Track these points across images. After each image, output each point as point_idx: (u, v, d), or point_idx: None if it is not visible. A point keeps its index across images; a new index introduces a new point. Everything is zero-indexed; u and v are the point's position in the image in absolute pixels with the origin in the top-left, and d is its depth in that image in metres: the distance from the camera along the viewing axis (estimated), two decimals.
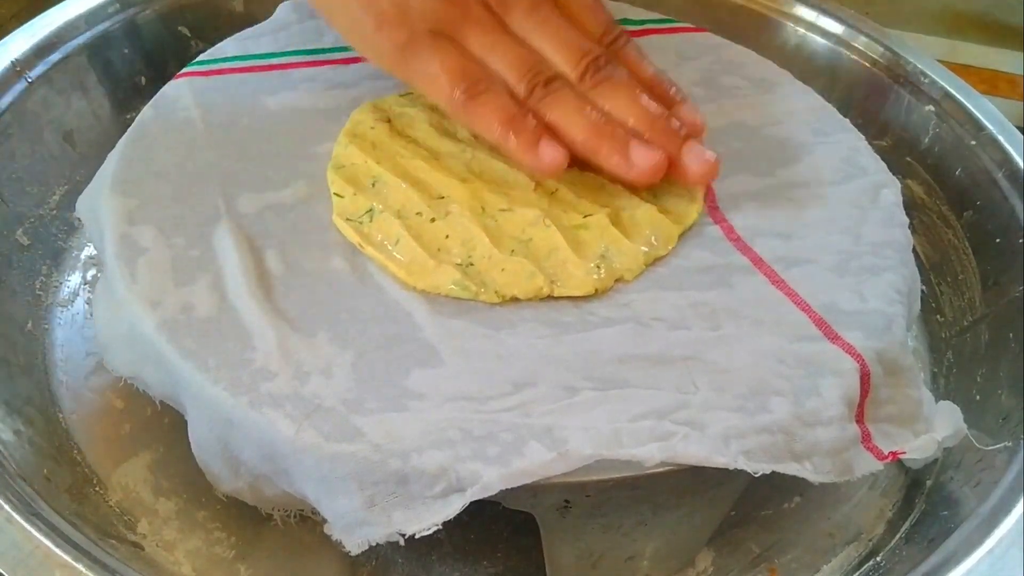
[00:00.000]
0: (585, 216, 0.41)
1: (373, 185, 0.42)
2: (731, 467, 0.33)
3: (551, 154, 0.39)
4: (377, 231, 0.40)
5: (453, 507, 0.32)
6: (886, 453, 0.37)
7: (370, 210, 0.41)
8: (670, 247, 0.41)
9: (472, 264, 0.39)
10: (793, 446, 0.34)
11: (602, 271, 0.39)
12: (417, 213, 0.41)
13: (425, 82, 0.41)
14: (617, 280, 0.40)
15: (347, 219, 0.41)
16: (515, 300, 0.39)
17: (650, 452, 0.33)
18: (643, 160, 0.40)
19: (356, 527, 0.33)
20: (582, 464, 0.32)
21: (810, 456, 0.35)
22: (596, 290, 0.39)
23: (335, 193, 0.42)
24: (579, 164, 0.42)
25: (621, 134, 0.40)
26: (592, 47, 0.42)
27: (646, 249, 0.41)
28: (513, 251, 0.39)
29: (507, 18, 0.42)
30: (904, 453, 0.37)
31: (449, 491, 0.32)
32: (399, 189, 0.41)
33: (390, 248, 0.40)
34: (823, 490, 0.40)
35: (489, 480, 0.32)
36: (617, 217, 0.41)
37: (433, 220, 0.40)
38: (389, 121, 0.45)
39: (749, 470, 0.33)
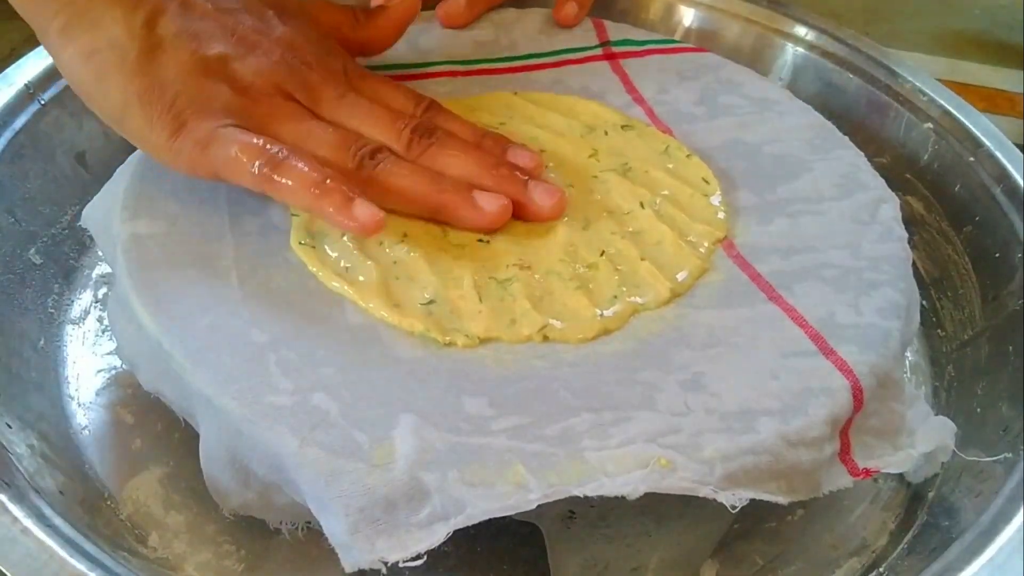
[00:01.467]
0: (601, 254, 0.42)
1: None
2: (711, 497, 0.34)
3: (367, 213, 0.38)
4: (335, 255, 0.40)
5: (436, 536, 0.32)
6: (861, 468, 0.38)
7: (326, 232, 0.41)
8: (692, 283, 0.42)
9: (435, 303, 0.39)
10: (776, 467, 0.35)
11: (614, 309, 0.40)
12: (379, 243, 0.41)
13: (226, 168, 0.39)
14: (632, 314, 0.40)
15: (301, 243, 0.41)
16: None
17: (633, 484, 0.33)
18: (489, 205, 0.41)
19: (343, 550, 0.33)
20: (565, 496, 0.33)
21: (788, 476, 0.36)
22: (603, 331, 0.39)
23: (292, 213, 0.42)
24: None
25: (461, 187, 0.41)
26: (409, 117, 0.43)
27: (671, 285, 0.41)
28: (485, 292, 0.39)
29: (317, 109, 0.41)
30: (879, 470, 0.38)
31: (434, 519, 0.33)
32: None
33: (350, 275, 0.40)
34: (826, 503, 0.40)
35: (473, 512, 0.32)
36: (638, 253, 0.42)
37: (400, 243, 0.40)
38: None
39: (727, 504, 0.34)
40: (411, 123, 0.42)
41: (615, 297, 0.40)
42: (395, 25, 0.48)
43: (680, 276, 0.41)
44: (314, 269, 0.40)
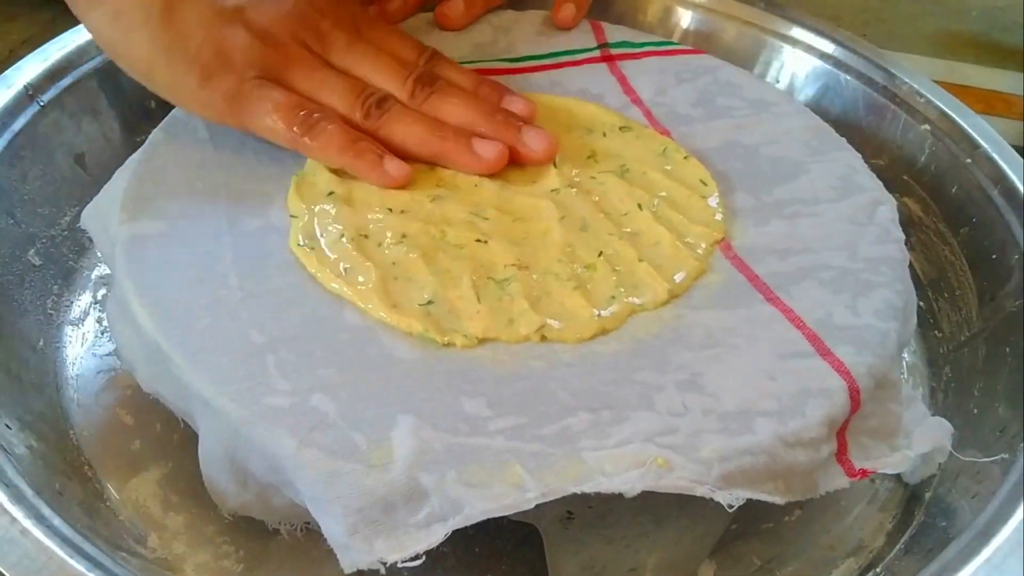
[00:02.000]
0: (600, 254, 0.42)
1: (331, 204, 0.42)
2: (708, 497, 0.34)
3: (396, 168, 0.42)
4: (334, 256, 0.40)
5: (435, 536, 0.33)
6: (857, 469, 0.38)
7: (324, 233, 0.41)
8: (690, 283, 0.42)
9: (433, 303, 0.39)
10: (773, 467, 0.35)
11: (611, 309, 0.40)
12: (378, 244, 0.41)
13: (260, 125, 0.42)
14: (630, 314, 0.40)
15: (300, 244, 0.41)
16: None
17: (631, 483, 0.33)
18: (487, 152, 0.43)
19: (341, 550, 0.33)
20: (562, 495, 0.33)
21: (785, 477, 0.36)
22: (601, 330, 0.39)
23: (291, 214, 0.42)
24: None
25: (461, 134, 0.43)
26: (413, 66, 0.45)
27: (668, 286, 0.41)
28: (483, 292, 0.40)
29: (328, 56, 0.44)
30: (876, 471, 0.38)
31: (432, 519, 0.33)
32: (360, 208, 0.42)
33: (349, 277, 0.40)
34: (823, 504, 0.40)
35: (471, 512, 0.33)
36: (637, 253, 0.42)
37: (398, 244, 0.41)
38: None
39: (724, 503, 0.34)
40: (415, 72, 0.44)
41: (613, 297, 0.40)
42: None
43: (678, 277, 0.41)
44: (313, 270, 0.40)
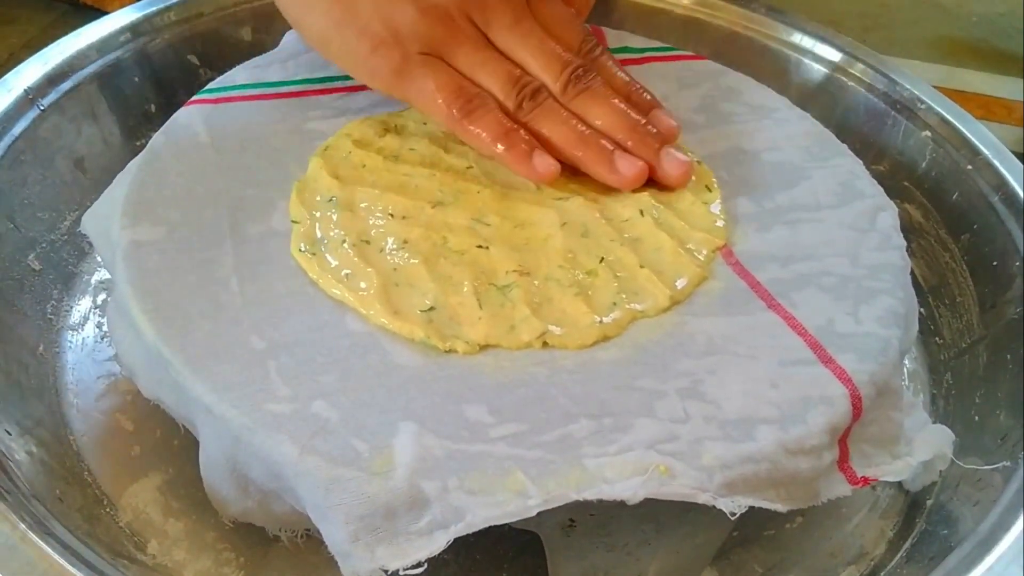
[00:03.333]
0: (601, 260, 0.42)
1: (333, 210, 0.42)
2: (709, 504, 0.34)
3: (545, 164, 0.43)
4: (336, 262, 0.40)
5: (437, 543, 0.32)
6: (859, 477, 0.38)
7: (326, 239, 0.41)
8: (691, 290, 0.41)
9: (435, 309, 0.39)
10: (774, 475, 0.35)
11: (613, 315, 0.40)
12: (379, 250, 0.41)
13: (423, 101, 0.44)
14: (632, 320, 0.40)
15: (301, 249, 0.41)
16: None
17: (632, 490, 0.33)
18: (627, 169, 0.43)
19: (342, 558, 0.33)
20: (564, 503, 0.33)
21: (787, 484, 0.36)
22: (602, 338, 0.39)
23: (292, 220, 0.42)
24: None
25: (605, 145, 0.43)
26: (571, 58, 0.45)
27: (670, 292, 0.41)
28: (484, 298, 0.39)
29: (490, 34, 0.45)
30: (877, 478, 0.38)
31: (434, 527, 0.33)
32: (362, 214, 0.42)
33: (350, 283, 0.40)
34: (824, 511, 0.40)
35: (473, 519, 0.33)
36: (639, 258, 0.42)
37: (400, 249, 0.41)
38: (386, 132, 0.46)
39: (726, 510, 0.34)
40: (572, 65, 0.44)
41: (614, 304, 0.40)
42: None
43: (679, 283, 0.41)
44: (314, 276, 0.40)
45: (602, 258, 0.42)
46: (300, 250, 0.41)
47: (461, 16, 0.44)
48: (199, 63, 0.57)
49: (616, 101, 0.44)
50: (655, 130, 0.44)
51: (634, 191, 0.44)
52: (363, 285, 0.39)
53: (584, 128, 0.44)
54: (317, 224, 0.42)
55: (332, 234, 0.41)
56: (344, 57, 0.45)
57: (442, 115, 0.43)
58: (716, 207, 0.45)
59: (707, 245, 0.43)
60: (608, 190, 0.45)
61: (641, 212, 0.44)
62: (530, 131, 0.44)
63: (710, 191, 0.46)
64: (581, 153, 0.43)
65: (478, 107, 0.43)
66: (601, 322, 0.39)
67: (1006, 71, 0.81)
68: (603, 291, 0.41)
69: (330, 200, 0.43)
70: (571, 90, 0.44)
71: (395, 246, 0.41)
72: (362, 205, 0.42)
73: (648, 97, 0.46)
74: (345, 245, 0.41)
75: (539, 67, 0.44)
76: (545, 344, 0.39)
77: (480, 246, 0.41)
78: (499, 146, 0.43)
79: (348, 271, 0.40)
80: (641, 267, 0.41)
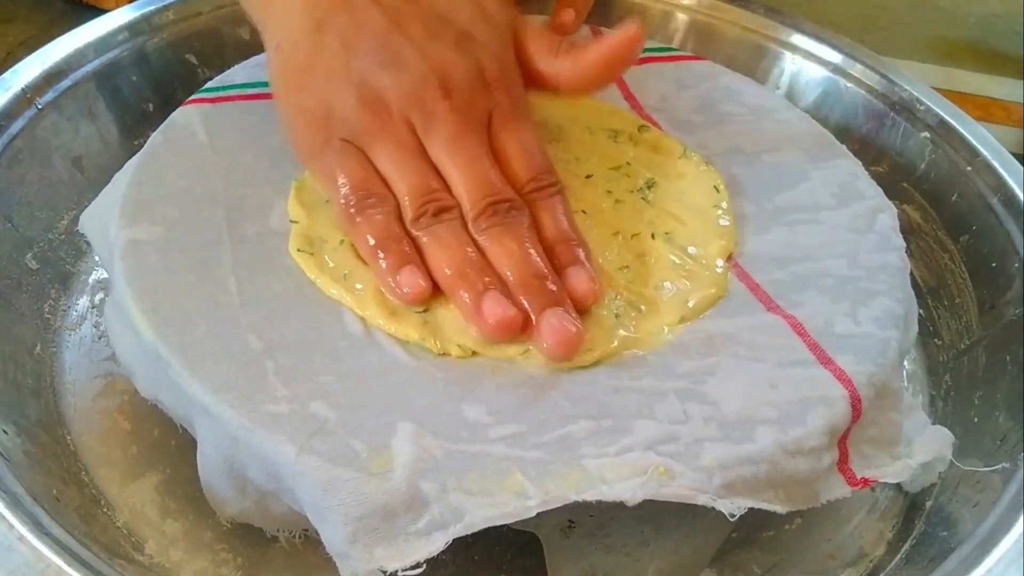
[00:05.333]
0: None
1: (330, 208, 0.42)
2: (709, 505, 0.34)
3: (408, 280, 0.39)
4: (333, 262, 0.40)
5: (435, 544, 0.32)
6: (859, 478, 0.38)
7: (324, 239, 0.41)
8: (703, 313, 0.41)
9: (430, 311, 0.39)
10: (774, 476, 0.35)
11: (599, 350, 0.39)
12: None
13: (327, 184, 0.42)
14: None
15: (300, 250, 0.41)
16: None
17: (632, 491, 0.33)
18: (491, 312, 0.38)
19: (341, 558, 0.33)
20: (563, 504, 0.33)
21: (787, 485, 0.36)
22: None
23: (291, 219, 0.42)
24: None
25: (481, 281, 0.38)
26: (502, 189, 0.40)
27: (673, 318, 0.40)
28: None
29: (426, 142, 0.41)
30: (876, 480, 0.38)
31: (432, 527, 0.33)
32: None
33: (347, 283, 0.40)
34: (823, 512, 0.40)
35: (472, 520, 0.32)
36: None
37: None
38: None
39: (725, 512, 0.34)
40: (498, 196, 0.40)
41: (609, 329, 0.39)
42: (606, 64, 0.42)
43: (691, 302, 0.41)
44: (312, 276, 0.40)
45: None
46: (298, 250, 0.41)
47: (399, 116, 0.41)
48: (197, 62, 0.57)
49: (527, 245, 0.39)
50: (554, 288, 0.38)
51: (640, 198, 0.44)
52: (359, 286, 0.39)
53: (468, 258, 0.39)
54: (315, 224, 0.41)
55: (330, 234, 0.41)
56: (282, 120, 0.43)
57: (337, 204, 0.41)
58: (725, 221, 0.44)
59: (721, 254, 0.43)
60: (615, 205, 0.44)
61: (653, 236, 0.43)
62: (417, 246, 0.40)
63: (718, 191, 0.46)
64: (451, 283, 0.39)
65: (373, 206, 0.40)
66: (591, 350, 0.38)
67: (1004, 72, 0.81)
68: (596, 321, 0.40)
69: (328, 200, 0.42)
70: (483, 221, 0.39)
71: None
72: None
73: (579, 253, 0.40)
74: (343, 245, 0.41)
75: (462, 188, 0.40)
76: (529, 355, 0.38)
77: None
78: (373, 248, 0.39)
79: (346, 271, 0.40)
80: (646, 289, 0.41)
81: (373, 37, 0.41)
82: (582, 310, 0.39)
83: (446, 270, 0.39)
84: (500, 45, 0.43)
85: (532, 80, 0.44)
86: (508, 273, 0.39)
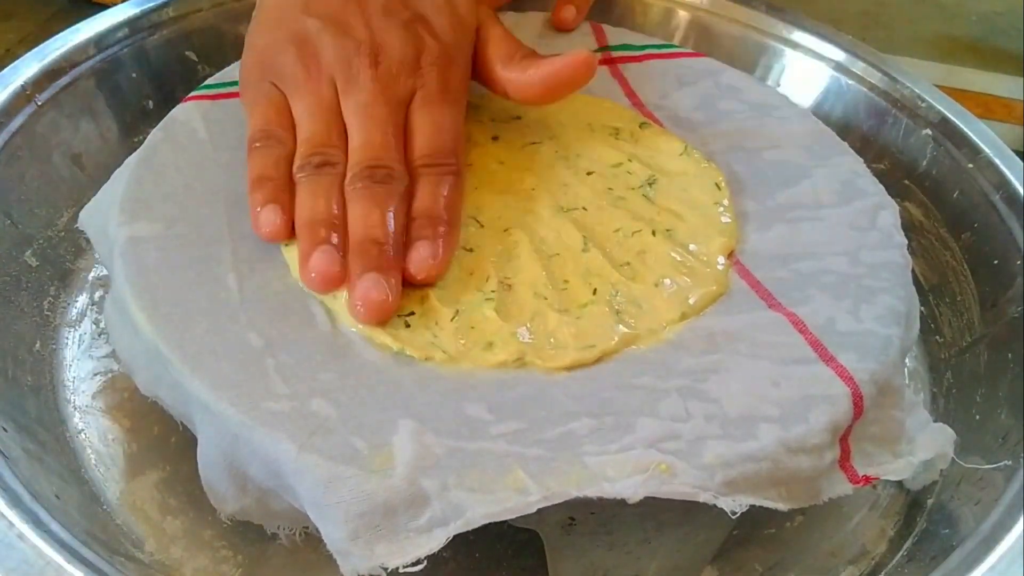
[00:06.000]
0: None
1: None
2: (710, 503, 0.33)
3: (267, 220, 0.40)
4: None
5: (436, 541, 0.32)
6: (860, 476, 0.38)
7: None
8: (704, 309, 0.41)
9: (415, 315, 0.39)
10: (776, 474, 0.35)
11: (600, 346, 0.39)
12: None
13: (247, 116, 0.44)
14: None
15: (287, 245, 0.41)
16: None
17: (633, 488, 0.33)
18: (315, 264, 0.39)
19: (341, 556, 0.33)
20: (564, 500, 0.33)
21: (788, 483, 0.36)
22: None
23: None
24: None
25: (323, 235, 0.39)
26: (386, 157, 0.41)
27: (674, 315, 0.40)
28: (461, 309, 0.39)
29: (343, 102, 0.43)
30: (878, 477, 0.38)
31: (433, 524, 0.33)
32: None
33: None
34: (825, 510, 0.40)
35: (472, 516, 0.32)
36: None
37: None
38: None
39: (727, 509, 0.34)
40: (377, 163, 0.41)
41: (607, 329, 0.39)
42: (549, 83, 0.44)
43: (692, 300, 0.41)
44: (296, 274, 0.40)
45: (595, 289, 0.41)
46: (286, 245, 0.41)
47: (326, 74, 0.43)
48: (197, 59, 0.57)
49: (385, 213, 0.40)
50: (387, 255, 0.39)
51: (642, 195, 0.44)
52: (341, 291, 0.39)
53: (328, 214, 0.40)
54: None
55: None
56: (242, 58, 0.46)
57: (247, 136, 0.43)
58: (727, 218, 0.44)
59: (722, 251, 0.43)
60: (616, 202, 0.44)
61: (654, 233, 0.43)
62: (291, 192, 0.41)
63: (719, 188, 0.45)
64: (300, 230, 0.40)
65: (270, 146, 0.42)
66: (592, 346, 0.38)
67: (1005, 70, 0.81)
68: (597, 317, 0.39)
69: None
70: (357, 181, 0.40)
71: None
72: None
73: (437, 231, 0.40)
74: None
75: (353, 149, 0.42)
76: (522, 364, 0.38)
77: (465, 248, 0.41)
78: (251, 183, 0.42)
79: None
80: (644, 286, 0.41)
81: (333, 3, 0.44)
82: (414, 282, 0.39)
83: (303, 218, 0.40)
84: (454, 37, 0.45)
85: (485, 83, 0.47)
86: (352, 234, 0.40)
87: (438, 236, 0.40)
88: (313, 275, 0.39)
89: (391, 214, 0.40)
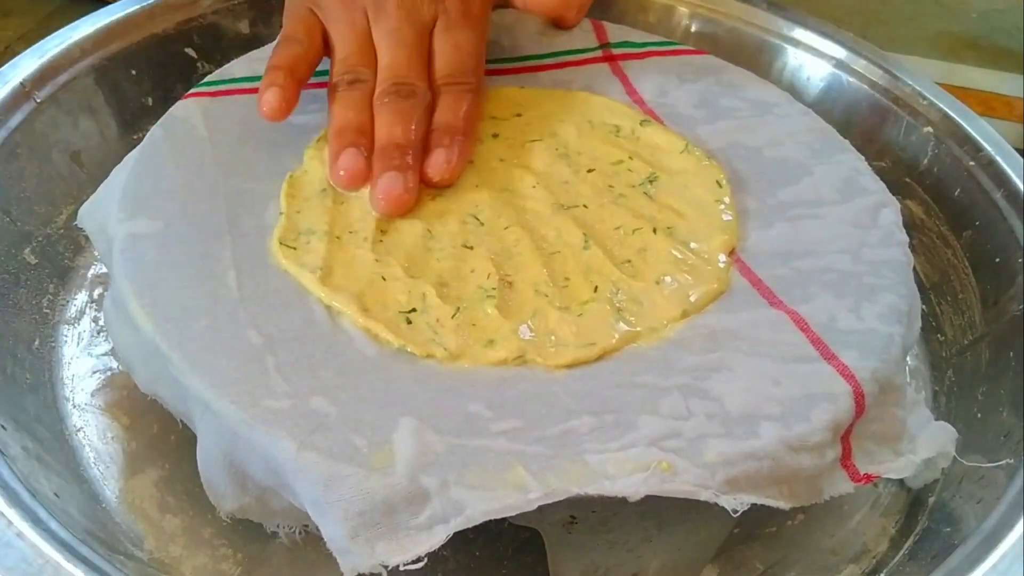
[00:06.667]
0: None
1: (321, 202, 0.42)
2: (711, 501, 0.33)
3: (269, 97, 0.44)
4: (311, 257, 0.40)
5: (437, 538, 0.32)
6: (862, 474, 0.37)
7: (306, 232, 0.41)
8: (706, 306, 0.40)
9: (416, 311, 0.39)
10: (777, 472, 0.35)
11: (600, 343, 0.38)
12: (363, 238, 0.41)
13: (283, 29, 0.48)
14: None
15: (282, 242, 0.40)
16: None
17: (634, 486, 0.33)
18: (343, 163, 0.43)
19: (341, 554, 0.33)
20: (564, 497, 0.33)
21: (790, 481, 0.36)
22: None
23: (280, 212, 0.42)
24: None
25: (352, 139, 0.44)
26: (409, 75, 0.46)
27: (675, 313, 0.40)
28: (463, 307, 0.39)
29: (374, 28, 0.47)
30: (879, 476, 0.38)
31: (433, 521, 0.32)
32: (351, 206, 0.42)
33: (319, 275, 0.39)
34: (826, 508, 0.40)
35: (472, 513, 0.32)
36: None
37: (380, 242, 0.41)
38: None
39: (728, 508, 0.33)
40: (401, 80, 0.45)
41: (608, 326, 0.39)
42: None
43: (693, 297, 0.40)
44: (293, 272, 0.39)
45: (596, 287, 0.40)
46: (279, 241, 0.40)
47: (359, 4, 0.47)
48: (196, 56, 0.57)
49: (407, 124, 0.44)
50: (407, 159, 0.43)
51: (642, 193, 0.44)
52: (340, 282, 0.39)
53: (357, 122, 0.44)
54: (301, 216, 0.41)
55: (314, 227, 0.41)
56: None
57: (274, 47, 0.47)
58: (728, 216, 0.44)
59: (723, 248, 0.43)
60: (616, 199, 0.44)
61: (655, 230, 0.43)
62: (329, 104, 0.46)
63: (720, 186, 0.45)
64: (331, 135, 0.44)
65: (290, 47, 0.46)
66: (593, 344, 0.38)
67: (1006, 68, 0.81)
68: (597, 315, 0.39)
69: (323, 191, 0.42)
70: (383, 97, 0.45)
71: (377, 240, 0.41)
72: (352, 197, 0.42)
73: (455, 139, 0.45)
74: (322, 238, 0.40)
75: (381, 68, 0.46)
76: (523, 362, 0.38)
77: (465, 245, 0.41)
78: (274, 68, 0.45)
79: (322, 265, 0.39)
80: (645, 284, 0.41)
81: None
82: (431, 184, 0.44)
83: (336, 125, 0.44)
84: None
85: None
86: (378, 140, 0.44)
87: (455, 144, 0.44)
88: (342, 172, 0.43)
89: (413, 125, 0.44)
